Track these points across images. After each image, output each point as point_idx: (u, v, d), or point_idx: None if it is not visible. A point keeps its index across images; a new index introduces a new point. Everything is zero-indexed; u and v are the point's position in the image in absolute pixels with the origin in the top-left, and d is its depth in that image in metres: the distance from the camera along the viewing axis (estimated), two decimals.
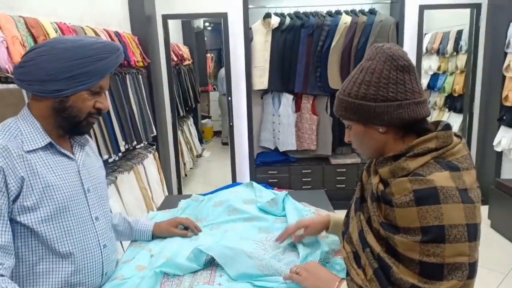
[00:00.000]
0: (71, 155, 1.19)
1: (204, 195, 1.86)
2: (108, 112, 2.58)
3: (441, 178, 0.85)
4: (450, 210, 0.83)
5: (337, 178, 4.02)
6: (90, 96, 1.13)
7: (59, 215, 1.10)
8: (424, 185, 0.85)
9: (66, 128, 1.15)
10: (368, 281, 0.95)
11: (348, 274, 1.04)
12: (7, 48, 1.66)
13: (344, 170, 4.00)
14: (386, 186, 0.95)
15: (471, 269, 0.85)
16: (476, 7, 3.88)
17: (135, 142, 2.94)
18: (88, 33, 2.44)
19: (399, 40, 3.75)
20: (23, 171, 1.04)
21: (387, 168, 0.95)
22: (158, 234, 1.52)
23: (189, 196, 1.88)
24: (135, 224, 1.52)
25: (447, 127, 0.95)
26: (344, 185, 4.00)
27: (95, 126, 2.37)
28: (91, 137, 2.28)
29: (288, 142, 4.09)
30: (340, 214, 1.37)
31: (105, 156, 2.44)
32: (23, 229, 1.05)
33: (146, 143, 3.26)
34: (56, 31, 2.08)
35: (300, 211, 1.63)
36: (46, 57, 1.05)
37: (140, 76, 3.26)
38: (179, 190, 4.32)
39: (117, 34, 2.89)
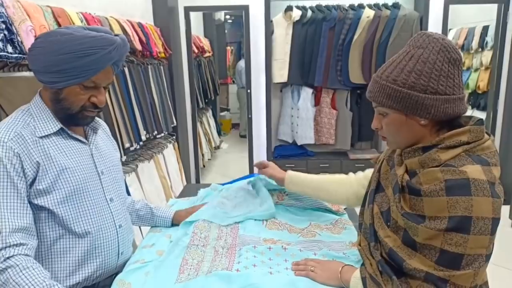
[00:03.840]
0: (84, 139, 1.22)
1: (223, 185, 1.89)
2: (130, 101, 2.63)
3: (473, 170, 0.86)
4: (480, 203, 0.83)
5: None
6: (83, 91, 1.12)
7: (75, 197, 1.14)
8: (456, 175, 0.85)
9: (62, 118, 1.16)
10: (380, 272, 0.98)
11: (363, 263, 1.07)
12: (35, 36, 1.71)
13: (363, 165, 3.97)
14: (412, 177, 0.95)
15: (486, 260, 0.87)
16: (504, 2, 3.78)
17: (155, 132, 2.99)
18: (112, 24, 2.48)
19: None
20: (38, 156, 1.08)
21: (416, 159, 0.95)
22: (178, 222, 1.54)
23: (208, 185, 1.91)
24: (156, 211, 1.56)
25: (480, 122, 0.94)
26: None
27: (117, 114, 2.42)
28: (112, 125, 2.34)
29: (306, 136, 4.08)
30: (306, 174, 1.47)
31: (127, 144, 2.50)
32: (41, 210, 1.10)
33: (166, 133, 3.31)
34: (82, 21, 2.12)
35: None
36: (39, 49, 1.07)
37: (161, 67, 3.30)
38: (197, 180, 4.37)
39: (140, 25, 2.93)
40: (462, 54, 4.37)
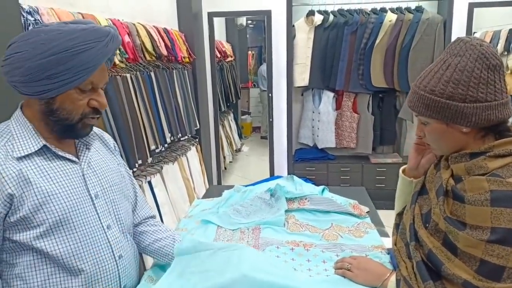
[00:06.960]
0: (74, 158, 1.04)
1: (246, 186, 1.93)
2: (156, 105, 2.70)
3: None
4: None
5: (377, 177, 3.98)
6: (80, 95, 0.97)
7: (61, 228, 0.97)
8: (503, 187, 0.84)
9: (59, 132, 1.00)
10: (414, 273, 0.97)
11: (398, 266, 1.06)
12: None
13: (385, 169, 3.96)
14: (457, 182, 0.94)
15: None
16: None
17: (180, 135, 3.06)
18: (140, 30, 2.56)
19: (447, 39, 3.65)
20: (11, 185, 0.91)
21: (462, 164, 0.94)
22: None
23: (231, 186, 1.95)
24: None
25: None
26: (384, 185, 3.95)
27: (144, 117, 2.49)
28: (139, 127, 2.41)
29: (327, 140, 4.09)
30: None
31: (152, 146, 2.57)
32: (23, 247, 0.95)
33: (189, 135, 3.37)
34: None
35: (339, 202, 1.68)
36: (20, 54, 0.90)
37: (185, 72, 3.37)
38: (219, 182, 4.42)
39: (166, 31, 3.01)
40: None
